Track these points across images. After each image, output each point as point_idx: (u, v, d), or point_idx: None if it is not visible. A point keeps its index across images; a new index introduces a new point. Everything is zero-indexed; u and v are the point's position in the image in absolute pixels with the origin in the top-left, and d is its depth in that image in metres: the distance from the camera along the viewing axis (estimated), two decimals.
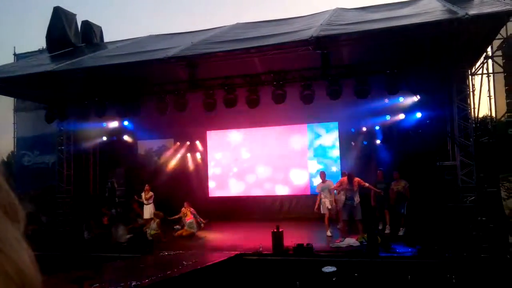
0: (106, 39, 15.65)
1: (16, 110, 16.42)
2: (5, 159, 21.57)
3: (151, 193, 13.95)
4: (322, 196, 11.80)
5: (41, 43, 15.36)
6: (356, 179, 11.35)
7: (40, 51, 15.58)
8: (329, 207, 11.67)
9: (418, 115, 12.64)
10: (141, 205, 14.04)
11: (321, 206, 11.72)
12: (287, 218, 14.05)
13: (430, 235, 9.69)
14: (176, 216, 13.45)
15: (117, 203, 15.50)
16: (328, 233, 11.64)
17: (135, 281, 7.45)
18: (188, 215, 13.17)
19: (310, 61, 10.32)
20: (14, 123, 16.59)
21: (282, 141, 15.96)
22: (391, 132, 14.35)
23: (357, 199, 11.18)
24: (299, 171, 15.81)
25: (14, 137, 16.65)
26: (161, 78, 11.82)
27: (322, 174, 12.20)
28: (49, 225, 13.23)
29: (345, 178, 11.53)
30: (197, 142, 17.06)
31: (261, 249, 9.97)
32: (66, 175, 14.02)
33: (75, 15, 14.40)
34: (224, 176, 16.73)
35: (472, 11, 8.13)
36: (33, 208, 13.89)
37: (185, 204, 13.46)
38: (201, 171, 17.00)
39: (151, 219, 13.17)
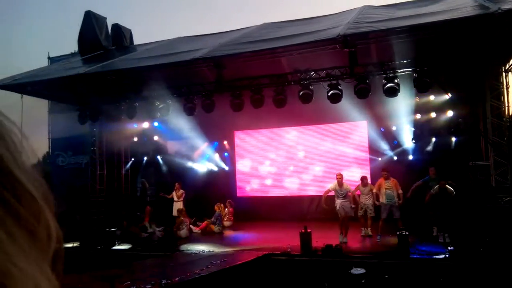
0: (136, 41, 15.97)
1: (51, 112, 16.91)
2: (41, 160, 22.28)
3: (181, 191, 14.19)
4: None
5: (74, 47, 15.79)
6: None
7: (72, 55, 16.00)
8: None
9: (450, 113, 12.32)
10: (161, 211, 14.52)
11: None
12: (315, 219, 13.92)
13: (463, 236, 9.45)
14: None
15: (148, 202, 15.77)
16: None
17: (165, 279, 7.59)
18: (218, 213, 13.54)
19: (337, 59, 10.24)
20: (48, 125, 17.09)
21: (312, 141, 15.85)
22: (422, 131, 14.01)
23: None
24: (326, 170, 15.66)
25: (49, 138, 17.15)
26: (190, 79, 11.97)
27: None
28: (83, 224, 13.59)
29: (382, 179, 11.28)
30: (225, 142, 17.16)
31: (289, 249, 9.96)
32: (99, 175, 14.38)
33: (105, 18, 14.75)
34: (252, 175, 16.78)
35: (506, 6, 7.90)
36: (67, 207, 14.30)
37: (229, 202, 14.20)
38: (229, 170, 17.10)
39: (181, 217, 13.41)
